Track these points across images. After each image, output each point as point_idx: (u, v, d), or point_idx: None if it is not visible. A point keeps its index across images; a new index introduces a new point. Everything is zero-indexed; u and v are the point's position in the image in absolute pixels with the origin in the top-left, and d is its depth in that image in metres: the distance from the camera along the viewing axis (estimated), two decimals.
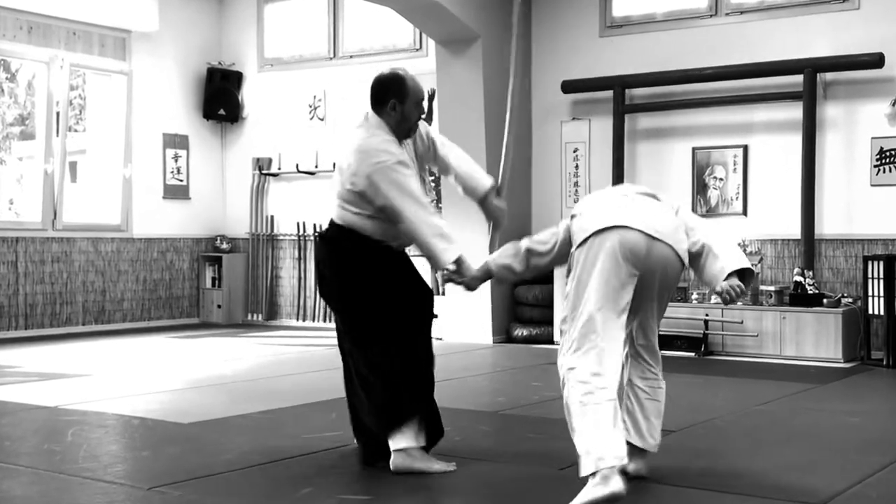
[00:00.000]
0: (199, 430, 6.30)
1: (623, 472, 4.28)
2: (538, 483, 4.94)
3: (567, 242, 4.87)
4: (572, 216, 4.88)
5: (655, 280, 4.73)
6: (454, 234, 5.20)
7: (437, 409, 5.35)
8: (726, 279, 4.67)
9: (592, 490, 4.18)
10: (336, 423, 6.30)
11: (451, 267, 5.08)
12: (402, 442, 5.14)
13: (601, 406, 4.35)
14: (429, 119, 12.52)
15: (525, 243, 5.09)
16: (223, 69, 14.10)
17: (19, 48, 12.17)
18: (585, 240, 4.61)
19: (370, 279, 5.22)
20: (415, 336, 5.27)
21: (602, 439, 4.27)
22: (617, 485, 4.17)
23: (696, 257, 4.82)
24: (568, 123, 12.01)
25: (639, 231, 4.58)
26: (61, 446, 5.78)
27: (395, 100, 5.27)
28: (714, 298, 10.41)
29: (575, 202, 11.85)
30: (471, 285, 5.20)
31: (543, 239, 5.05)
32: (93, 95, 13.94)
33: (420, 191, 5.10)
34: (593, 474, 4.21)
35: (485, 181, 5.55)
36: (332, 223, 5.33)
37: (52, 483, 4.90)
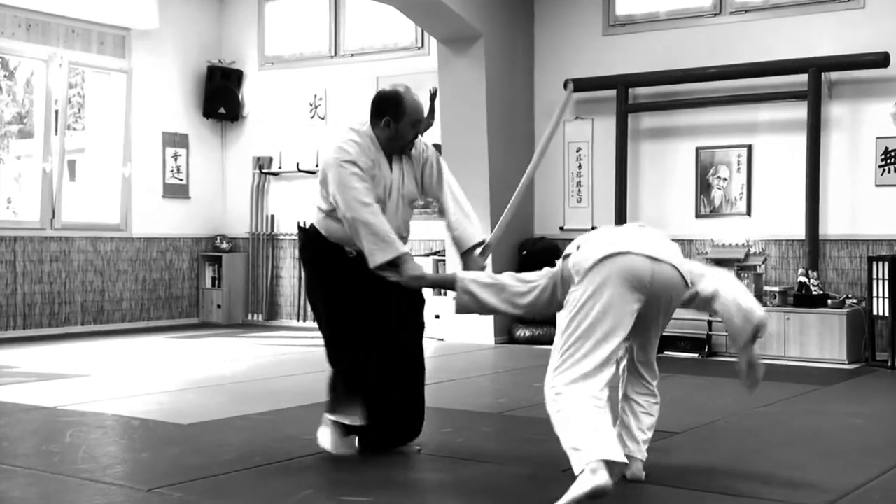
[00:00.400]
0: (198, 431, 6.31)
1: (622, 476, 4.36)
2: (540, 484, 4.94)
3: (553, 289, 4.95)
4: (565, 256, 4.90)
5: (661, 304, 4.78)
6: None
7: (409, 416, 5.59)
8: (748, 343, 4.72)
9: (578, 485, 4.21)
10: None
11: (387, 265, 5.21)
12: (331, 417, 5.55)
13: (592, 411, 4.41)
14: (431, 118, 12.51)
15: (505, 278, 5.10)
16: (223, 67, 14.11)
17: (18, 46, 12.18)
18: (590, 268, 4.60)
19: (322, 278, 5.54)
20: (367, 337, 5.47)
21: (591, 436, 4.31)
22: (602, 478, 4.18)
23: (708, 301, 4.86)
24: (571, 123, 12.01)
25: (641, 255, 4.62)
26: (60, 447, 5.78)
27: (389, 117, 5.42)
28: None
29: (578, 202, 11.87)
30: (409, 284, 5.27)
31: (528, 278, 5.08)
32: (92, 93, 13.96)
33: (363, 191, 5.22)
34: (582, 471, 4.24)
35: (474, 236, 5.67)
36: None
37: (50, 484, 4.91)
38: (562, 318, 4.67)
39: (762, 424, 6.66)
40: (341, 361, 5.52)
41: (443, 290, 11.89)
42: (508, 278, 5.10)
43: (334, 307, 5.49)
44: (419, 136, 5.58)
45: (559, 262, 4.95)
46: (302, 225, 5.66)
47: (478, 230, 5.69)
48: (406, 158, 5.55)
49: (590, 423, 4.36)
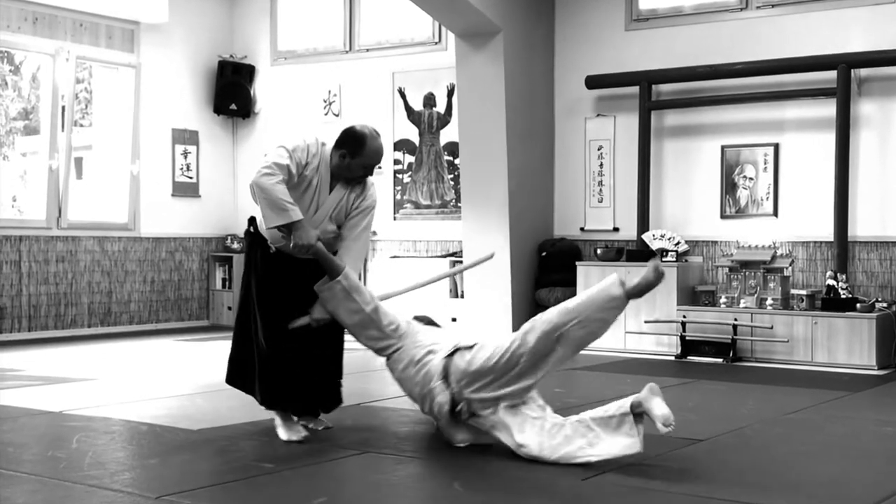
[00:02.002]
0: (208, 436, 6.31)
1: None
2: (561, 492, 4.93)
3: (398, 350, 5.99)
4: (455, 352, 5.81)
5: None
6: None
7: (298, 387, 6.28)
8: None
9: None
10: (351, 430, 6.32)
11: (284, 230, 5.89)
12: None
13: None
14: (448, 116, 12.53)
15: (372, 313, 5.99)
16: (235, 62, 14.14)
17: (24, 39, 12.21)
18: None
19: (247, 266, 6.40)
20: (267, 328, 6.16)
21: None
22: None
23: None
24: (592, 120, 12.00)
25: None
26: (66, 453, 5.79)
27: (347, 151, 6.08)
28: (744, 302, 10.40)
29: (599, 202, 11.85)
30: (298, 249, 5.87)
31: (389, 330, 6.03)
32: (99, 89, 13.98)
33: (273, 167, 5.86)
34: None
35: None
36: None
37: (56, 491, 4.92)
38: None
39: (790, 432, 6.64)
40: (244, 342, 6.35)
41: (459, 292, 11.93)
42: (376, 313, 6.00)
43: (247, 293, 6.30)
44: (369, 177, 6.27)
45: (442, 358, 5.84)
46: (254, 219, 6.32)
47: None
48: (350, 189, 6.20)
49: None
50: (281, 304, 6.14)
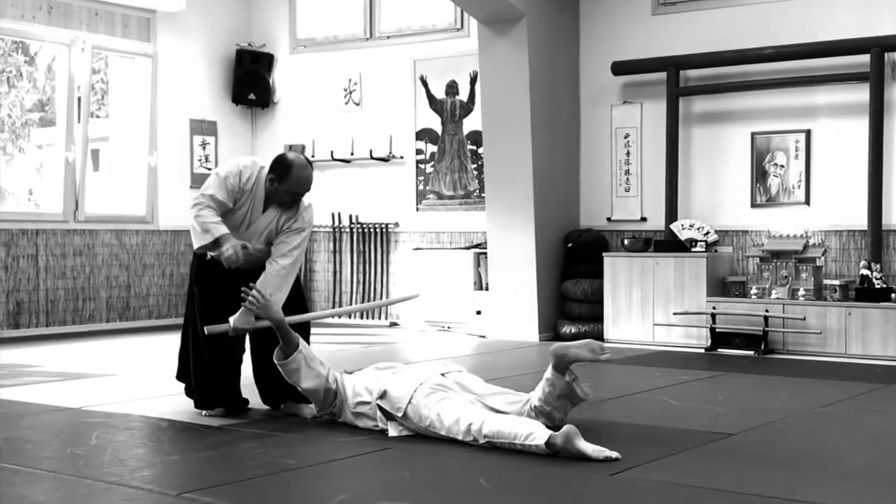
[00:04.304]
0: (229, 433, 6.34)
1: None
2: (588, 487, 4.94)
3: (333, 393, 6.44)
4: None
5: None
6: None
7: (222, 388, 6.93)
8: None
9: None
10: (371, 428, 6.33)
11: (213, 249, 6.52)
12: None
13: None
14: (471, 104, 12.52)
15: (329, 367, 6.47)
16: (253, 51, 14.16)
17: (38, 29, 12.26)
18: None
19: (191, 273, 7.03)
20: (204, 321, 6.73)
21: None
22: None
23: None
24: (618, 107, 11.99)
25: None
26: (85, 450, 5.82)
27: (275, 177, 6.60)
28: (775, 293, 10.38)
29: (626, 191, 11.84)
30: (225, 264, 6.47)
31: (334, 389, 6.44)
32: (116, 79, 14.02)
33: (206, 196, 6.51)
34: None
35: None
36: None
37: (75, 488, 4.94)
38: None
39: (823, 425, 6.63)
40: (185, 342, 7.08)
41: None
42: (329, 375, 6.41)
43: (193, 296, 6.92)
44: (297, 204, 6.72)
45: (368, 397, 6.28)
46: None
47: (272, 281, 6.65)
48: (282, 212, 6.69)
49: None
50: (212, 309, 6.72)
